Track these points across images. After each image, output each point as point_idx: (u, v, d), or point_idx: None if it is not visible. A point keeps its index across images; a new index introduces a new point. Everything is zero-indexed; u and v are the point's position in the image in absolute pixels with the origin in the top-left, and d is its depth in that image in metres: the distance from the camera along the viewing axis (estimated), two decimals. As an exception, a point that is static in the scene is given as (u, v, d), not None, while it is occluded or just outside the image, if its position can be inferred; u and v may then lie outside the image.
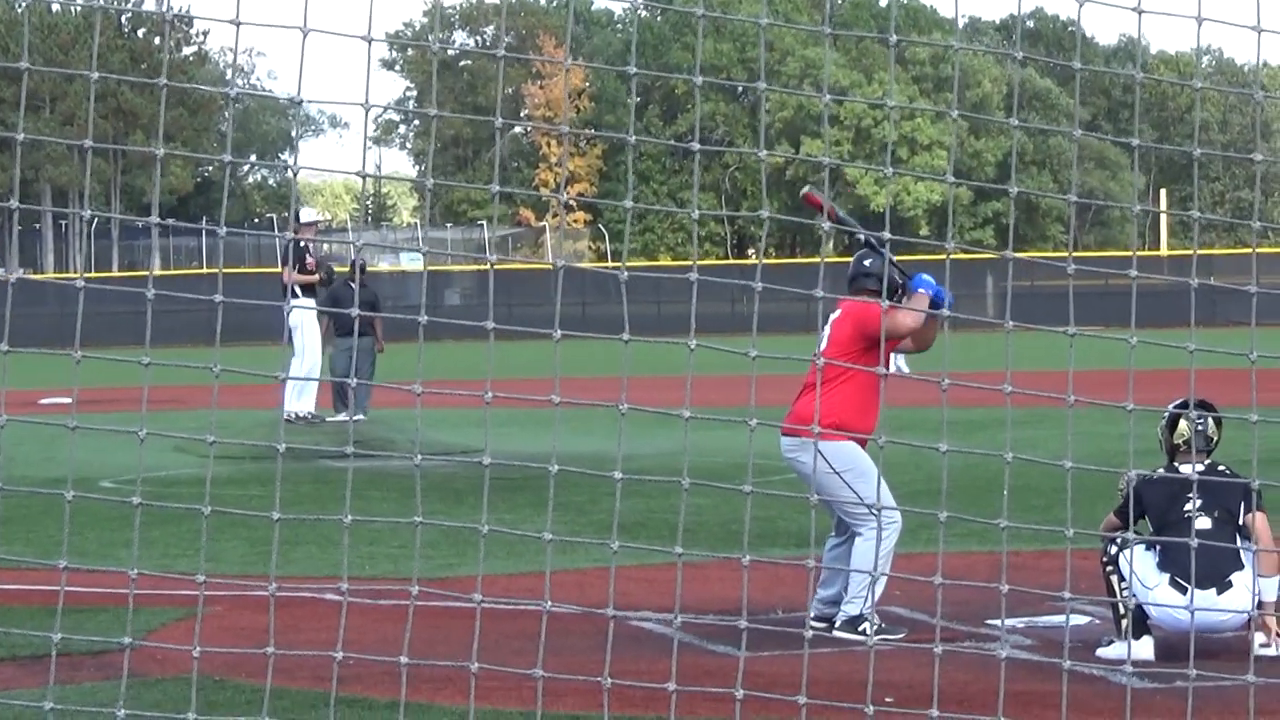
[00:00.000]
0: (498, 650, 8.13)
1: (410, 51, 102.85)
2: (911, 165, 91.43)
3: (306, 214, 23.90)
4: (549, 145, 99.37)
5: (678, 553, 5.14)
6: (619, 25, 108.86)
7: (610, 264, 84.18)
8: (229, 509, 5.58)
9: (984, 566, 11.28)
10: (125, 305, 53.96)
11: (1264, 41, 5.34)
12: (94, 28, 5.91)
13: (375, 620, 9.09)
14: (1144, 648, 8.95)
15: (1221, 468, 9.28)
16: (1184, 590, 8.76)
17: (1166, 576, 9.01)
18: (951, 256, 5.66)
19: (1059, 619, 9.79)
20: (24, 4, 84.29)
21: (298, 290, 21.84)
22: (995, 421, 23.67)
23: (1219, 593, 8.90)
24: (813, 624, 9.54)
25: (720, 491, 13.70)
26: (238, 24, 4.89)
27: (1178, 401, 9.30)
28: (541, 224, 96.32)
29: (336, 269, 24.64)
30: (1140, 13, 5.44)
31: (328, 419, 23.27)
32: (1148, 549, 9.14)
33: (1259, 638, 8.92)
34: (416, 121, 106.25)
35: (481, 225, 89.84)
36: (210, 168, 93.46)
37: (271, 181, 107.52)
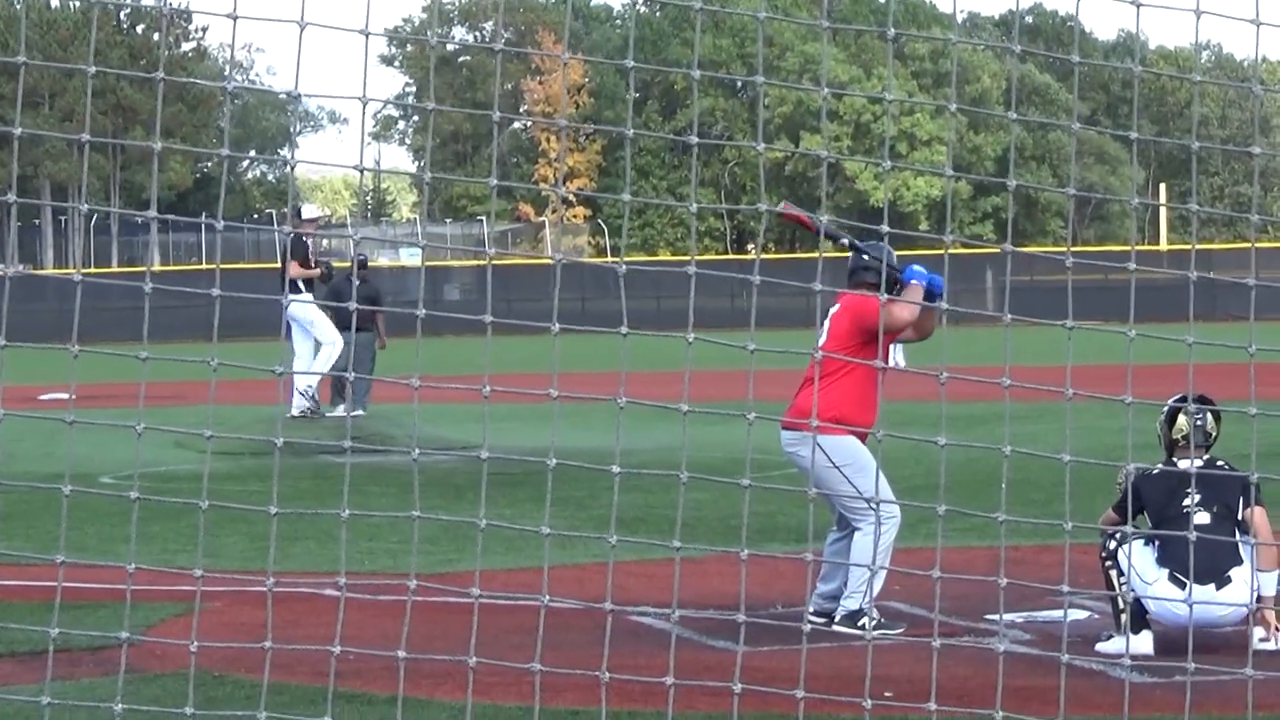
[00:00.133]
0: (497, 645, 8.13)
1: (409, 48, 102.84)
2: (911, 161, 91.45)
3: (309, 210, 23.92)
4: (548, 141, 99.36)
5: (675, 546, 5.14)
6: (618, 21, 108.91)
7: (610, 259, 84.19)
8: (228, 504, 5.58)
9: (984, 561, 11.28)
10: (127, 301, 53.98)
11: (1263, 36, 5.33)
12: (92, 23, 5.90)
13: (375, 615, 9.09)
14: (1143, 642, 8.95)
15: (1220, 463, 9.28)
16: (1183, 585, 8.76)
17: (1165, 572, 9.01)
18: (951, 251, 5.65)
19: (1058, 614, 9.78)
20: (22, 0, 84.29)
21: (301, 285, 21.86)
22: (995, 416, 23.66)
23: (1218, 588, 8.89)
24: (811, 619, 9.55)
25: (720, 487, 13.70)
26: (234, 18, 4.89)
27: (1177, 396, 9.30)
28: (541, 219, 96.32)
29: (336, 264, 24.63)
30: (1139, 5, 5.43)
31: (327, 414, 23.28)
32: (1146, 544, 9.14)
33: (1258, 632, 8.92)
34: (416, 117, 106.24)
35: (481, 221, 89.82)
36: (210, 163, 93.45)
37: (271, 177, 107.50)
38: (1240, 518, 9.09)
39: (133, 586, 5.56)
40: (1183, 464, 9.17)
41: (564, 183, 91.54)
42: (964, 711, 6.96)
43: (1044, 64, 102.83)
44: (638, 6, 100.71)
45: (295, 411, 22.38)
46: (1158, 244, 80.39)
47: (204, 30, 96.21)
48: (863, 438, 9.77)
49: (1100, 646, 9.08)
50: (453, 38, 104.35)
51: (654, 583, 10.63)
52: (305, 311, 22.14)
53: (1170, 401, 9.23)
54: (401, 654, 5.13)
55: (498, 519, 13.64)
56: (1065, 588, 5.54)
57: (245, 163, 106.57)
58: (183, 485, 16.47)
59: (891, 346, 20.65)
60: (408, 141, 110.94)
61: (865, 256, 10.13)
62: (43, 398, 29.80)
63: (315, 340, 22.60)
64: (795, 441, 9.77)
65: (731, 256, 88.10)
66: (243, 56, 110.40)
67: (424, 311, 5.02)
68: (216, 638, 8.71)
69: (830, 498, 9.85)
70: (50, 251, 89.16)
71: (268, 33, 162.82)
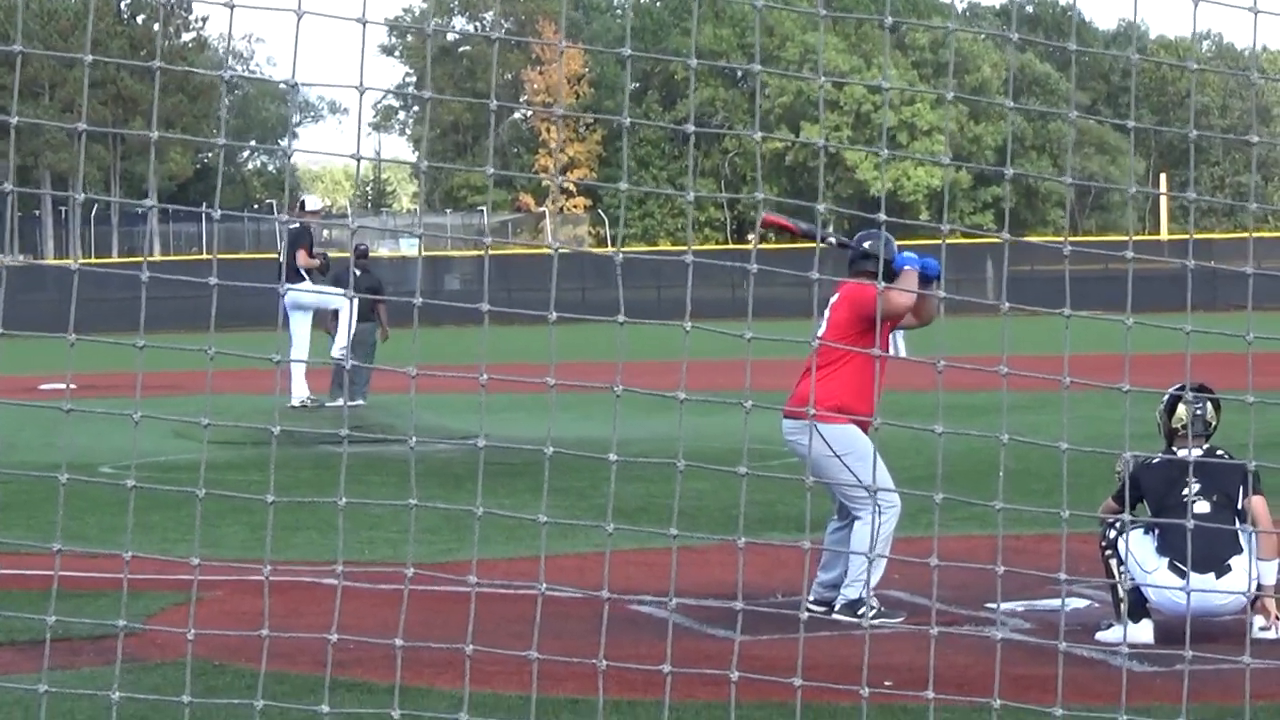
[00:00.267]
0: (497, 634, 8.13)
1: (409, 38, 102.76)
2: (911, 151, 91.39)
3: (312, 202, 23.91)
4: (548, 131, 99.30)
5: (673, 534, 5.14)
6: (618, 11, 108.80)
7: (610, 248, 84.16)
8: (227, 493, 5.57)
9: (984, 551, 11.28)
10: (128, 291, 53.98)
11: (1262, 25, 5.33)
12: (89, 13, 5.91)
13: (375, 605, 9.09)
14: (1143, 631, 8.95)
15: (1220, 452, 9.27)
16: (1183, 574, 8.76)
17: (1165, 560, 9.01)
18: (949, 241, 5.66)
19: (1058, 602, 9.78)
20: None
21: (304, 274, 21.86)
22: (995, 406, 23.66)
23: (1218, 576, 8.89)
24: (811, 607, 9.55)
25: (720, 476, 13.70)
26: (232, 6, 4.88)
27: (1176, 386, 9.30)
28: (541, 210, 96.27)
29: (333, 255, 24.62)
30: (1138, -5, 5.42)
31: (326, 404, 23.28)
32: (1146, 533, 9.14)
33: (1258, 621, 8.92)
34: (416, 107, 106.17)
35: (481, 211, 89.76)
36: (210, 154, 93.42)
37: (271, 168, 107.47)
38: (1240, 506, 9.09)
39: (132, 576, 5.56)
40: (1182, 453, 9.17)
41: (564, 173, 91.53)
42: (963, 700, 6.97)
43: (1044, 53, 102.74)
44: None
45: (295, 402, 22.38)
46: (1159, 233, 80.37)
47: (204, 21, 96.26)
48: (864, 426, 9.77)
49: (1100, 635, 9.08)
50: (453, 27, 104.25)
51: (655, 572, 10.64)
52: (307, 298, 22.14)
53: (1170, 391, 9.22)
54: (400, 642, 5.13)
55: (498, 509, 13.65)
56: (1063, 576, 5.53)
57: (245, 153, 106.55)
58: (184, 475, 16.47)
59: (892, 335, 20.66)
60: (408, 132, 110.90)
61: (866, 245, 10.13)
62: (43, 387, 29.82)
63: (313, 326, 22.53)
64: (797, 430, 9.78)
65: (732, 246, 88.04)
66: (243, 47, 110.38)
67: (421, 300, 5.01)
68: (216, 627, 8.72)
69: (831, 487, 9.86)
70: (50, 242, 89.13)
71: (268, 23, 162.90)
